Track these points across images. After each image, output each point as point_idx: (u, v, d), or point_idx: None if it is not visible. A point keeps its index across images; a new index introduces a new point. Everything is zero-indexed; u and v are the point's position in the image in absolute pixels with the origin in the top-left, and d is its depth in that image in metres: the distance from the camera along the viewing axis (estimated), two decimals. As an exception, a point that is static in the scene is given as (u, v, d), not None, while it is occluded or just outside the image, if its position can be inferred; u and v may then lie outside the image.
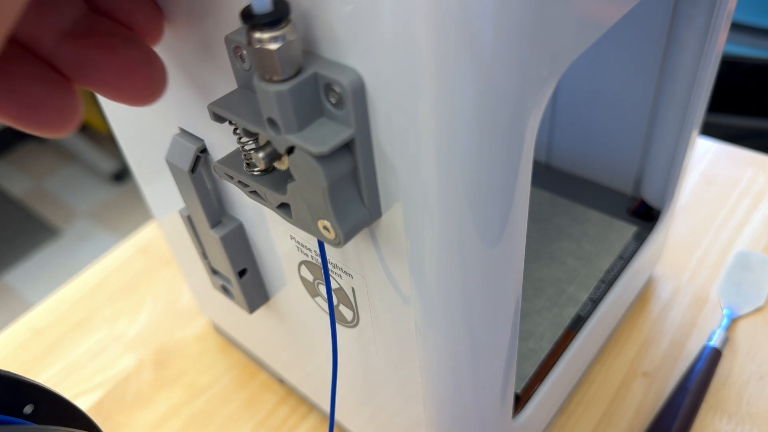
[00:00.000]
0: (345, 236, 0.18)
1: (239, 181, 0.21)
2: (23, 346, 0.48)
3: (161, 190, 0.33)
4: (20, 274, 1.43)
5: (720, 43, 0.32)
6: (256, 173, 0.20)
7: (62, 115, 0.18)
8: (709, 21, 0.31)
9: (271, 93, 0.16)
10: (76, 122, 0.19)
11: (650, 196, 0.41)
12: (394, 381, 0.27)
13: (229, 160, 0.21)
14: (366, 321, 0.25)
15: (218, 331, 0.47)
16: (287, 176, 0.19)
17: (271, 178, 0.20)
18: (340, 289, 0.25)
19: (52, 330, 0.49)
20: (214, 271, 0.33)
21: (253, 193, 0.21)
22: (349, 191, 0.18)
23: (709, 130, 0.40)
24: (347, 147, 0.18)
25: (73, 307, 0.51)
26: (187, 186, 0.28)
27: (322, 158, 0.17)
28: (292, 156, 0.17)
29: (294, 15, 0.16)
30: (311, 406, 0.42)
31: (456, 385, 0.25)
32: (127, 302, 0.51)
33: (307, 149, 0.16)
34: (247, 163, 0.20)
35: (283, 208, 0.20)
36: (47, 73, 0.18)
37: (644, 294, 0.46)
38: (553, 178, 0.46)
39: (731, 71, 0.90)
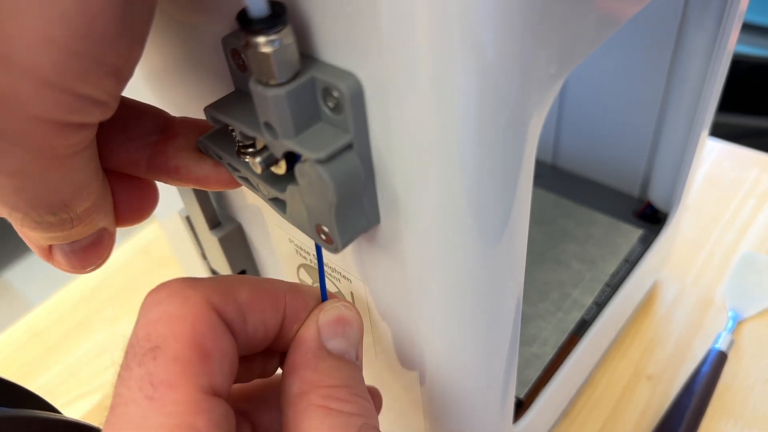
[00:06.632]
0: (343, 244, 0.18)
1: (229, 164, 0.19)
2: (23, 347, 0.48)
3: (162, 190, 0.33)
4: (20, 274, 1.43)
5: (731, 44, 0.31)
6: (248, 161, 0.19)
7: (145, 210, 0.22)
8: (719, 21, 0.30)
9: (267, 97, 0.15)
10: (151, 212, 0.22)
11: (657, 198, 0.41)
12: (394, 386, 0.27)
13: (218, 137, 0.19)
14: (365, 326, 0.25)
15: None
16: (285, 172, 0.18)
17: (268, 171, 0.19)
18: (339, 293, 0.25)
19: (52, 331, 0.49)
20: (213, 273, 0.33)
21: (244, 179, 0.20)
22: (352, 201, 0.18)
23: (713, 129, 0.39)
24: (358, 161, 0.17)
25: (73, 308, 0.51)
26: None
27: (333, 174, 0.16)
28: (300, 165, 0.17)
29: (291, 18, 0.16)
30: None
31: (456, 390, 0.25)
32: (128, 303, 0.50)
33: (304, 154, 0.16)
34: (241, 149, 0.19)
35: (277, 201, 0.19)
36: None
37: (649, 296, 0.45)
38: (558, 180, 0.45)
39: (735, 69, 0.90)
